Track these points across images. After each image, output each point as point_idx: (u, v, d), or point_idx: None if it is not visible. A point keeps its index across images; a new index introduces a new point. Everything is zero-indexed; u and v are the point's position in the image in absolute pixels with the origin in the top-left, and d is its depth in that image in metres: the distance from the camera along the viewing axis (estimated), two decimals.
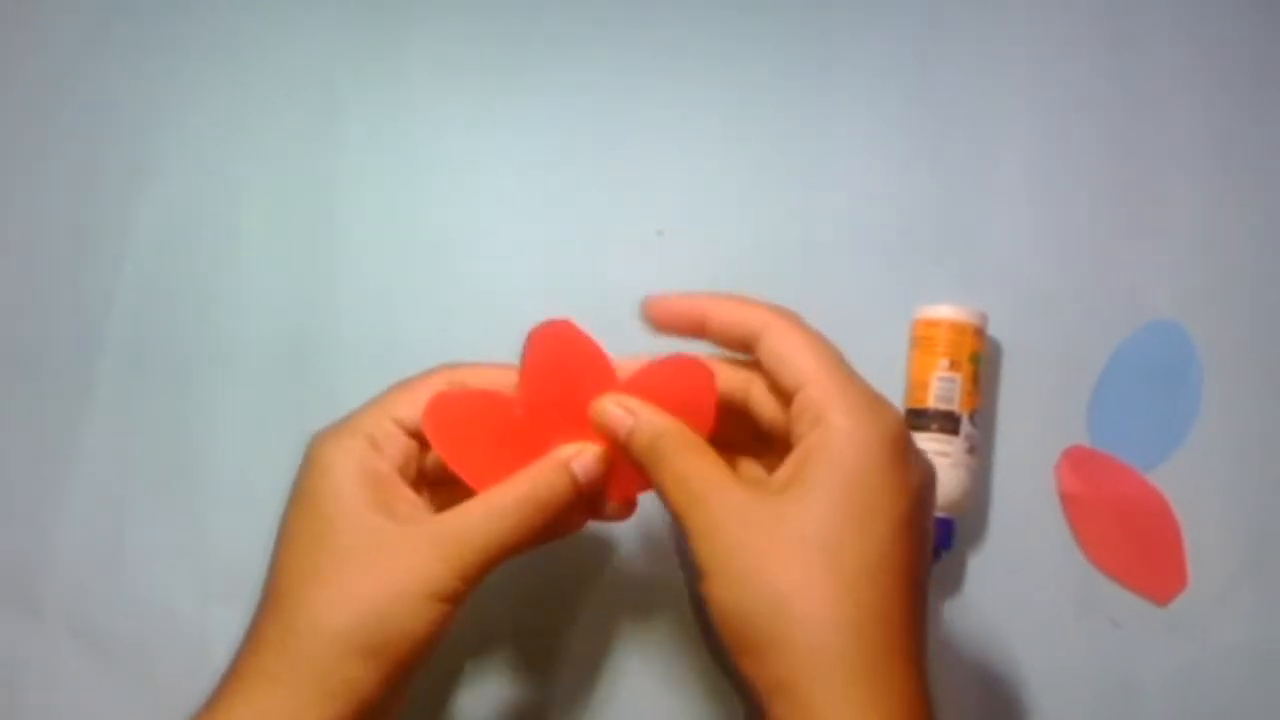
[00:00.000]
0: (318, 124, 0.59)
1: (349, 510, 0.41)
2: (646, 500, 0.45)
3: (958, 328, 0.52)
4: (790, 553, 0.38)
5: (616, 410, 0.43)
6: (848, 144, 0.58)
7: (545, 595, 0.53)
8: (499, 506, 0.42)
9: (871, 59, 0.59)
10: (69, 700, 0.53)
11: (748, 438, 0.45)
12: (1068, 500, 0.54)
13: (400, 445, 0.43)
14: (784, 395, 0.42)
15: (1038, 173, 0.57)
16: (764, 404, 0.44)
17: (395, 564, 0.40)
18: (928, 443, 0.51)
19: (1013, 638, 0.53)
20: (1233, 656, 0.53)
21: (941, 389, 0.52)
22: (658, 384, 0.44)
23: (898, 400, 0.53)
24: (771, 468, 0.43)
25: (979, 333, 0.53)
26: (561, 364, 0.44)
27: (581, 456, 0.43)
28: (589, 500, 0.44)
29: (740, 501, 0.40)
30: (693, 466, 0.41)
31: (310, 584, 0.40)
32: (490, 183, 0.58)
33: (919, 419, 0.52)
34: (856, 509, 0.38)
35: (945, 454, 0.51)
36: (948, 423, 0.51)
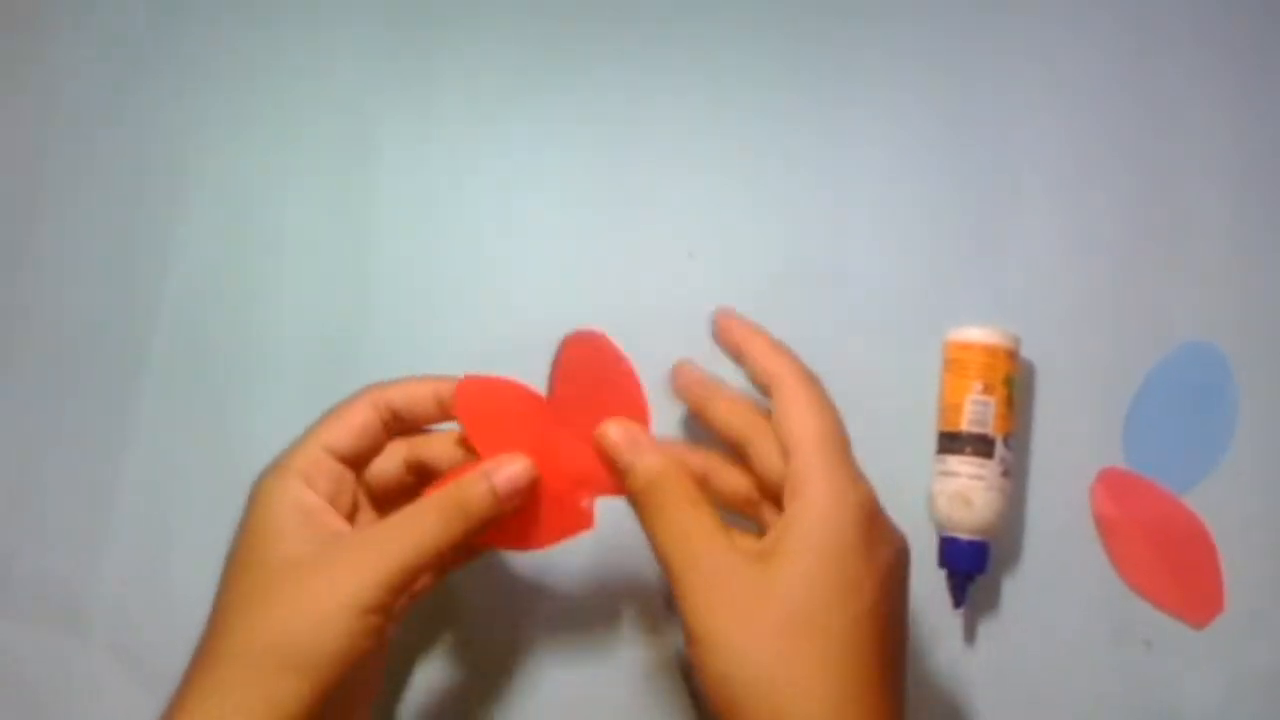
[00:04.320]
0: (353, 145, 0.60)
1: (278, 540, 0.43)
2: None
3: (991, 350, 0.52)
4: (777, 623, 0.40)
5: (617, 435, 0.45)
6: (877, 167, 0.58)
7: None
8: (413, 518, 0.43)
9: (898, 81, 0.59)
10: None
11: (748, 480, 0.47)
12: (1103, 522, 0.54)
13: (331, 474, 0.45)
14: (783, 451, 0.44)
15: (1068, 193, 0.57)
16: (760, 459, 0.45)
17: (317, 581, 0.41)
18: (961, 466, 0.51)
19: (1048, 660, 0.53)
20: (1270, 680, 0.52)
21: (975, 412, 0.52)
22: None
23: (930, 423, 0.53)
24: (764, 518, 0.45)
25: (1012, 355, 0.53)
26: (590, 372, 0.46)
27: (502, 469, 0.44)
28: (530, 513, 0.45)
29: (728, 572, 0.41)
30: (684, 519, 0.43)
31: (240, 609, 0.42)
32: (522, 205, 0.59)
33: (953, 442, 0.52)
34: (838, 582, 0.40)
35: (980, 477, 0.51)
36: (982, 446, 0.51)
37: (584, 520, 0.46)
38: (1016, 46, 0.59)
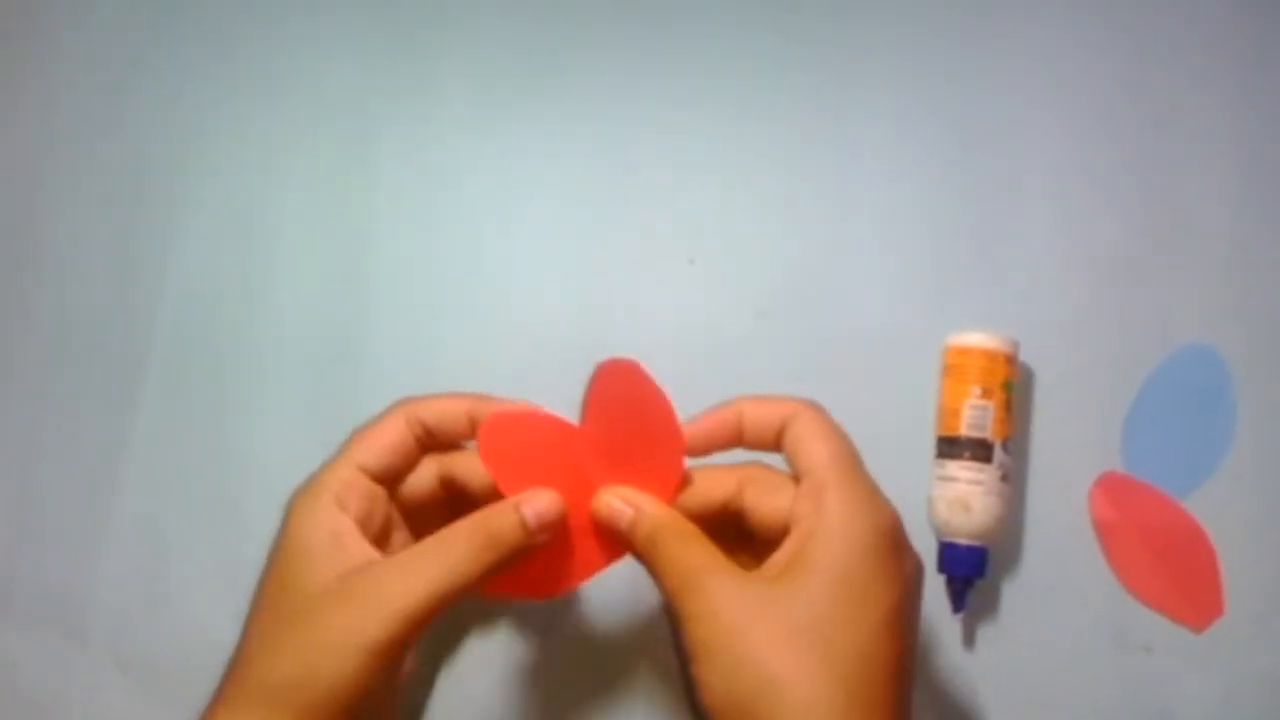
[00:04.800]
0: (352, 150, 0.60)
1: (305, 568, 0.43)
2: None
3: (989, 355, 0.52)
4: (782, 639, 0.39)
5: (617, 504, 0.44)
6: (876, 172, 0.58)
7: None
8: (435, 552, 0.42)
9: (898, 86, 0.59)
10: None
11: (739, 540, 0.45)
12: (1102, 527, 0.54)
13: (364, 493, 0.45)
14: (797, 479, 0.43)
15: (1066, 197, 0.57)
16: (759, 504, 0.44)
17: (335, 618, 0.41)
18: (960, 470, 0.51)
19: (1047, 665, 0.53)
20: (1270, 684, 0.52)
21: (974, 417, 0.52)
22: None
23: (929, 428, 0.53)
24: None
25: (1011, 360, 0.53)
26: (625, 401, 0.44)
27: (533, 502, 0.43)
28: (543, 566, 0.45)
29: (734, 587, 0.40)
30: (689, 553, 0.42)
31: (262, 639, 0.42)
32: (522, 211, 0.59)
33: (951, 447, 0.52)
34: (849, 598, 0.40)
35: (979, 482, 0.51)
36: (980, 451, 0.51)
37: (616, 550, 0.45)
38: (1015, 51, 0.59)
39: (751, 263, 0.57)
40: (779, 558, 0.41)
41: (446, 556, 0.42)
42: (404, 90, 0.60)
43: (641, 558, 0.44)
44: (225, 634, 0.52)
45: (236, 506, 0.56)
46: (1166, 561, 0.53)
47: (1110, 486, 0.54)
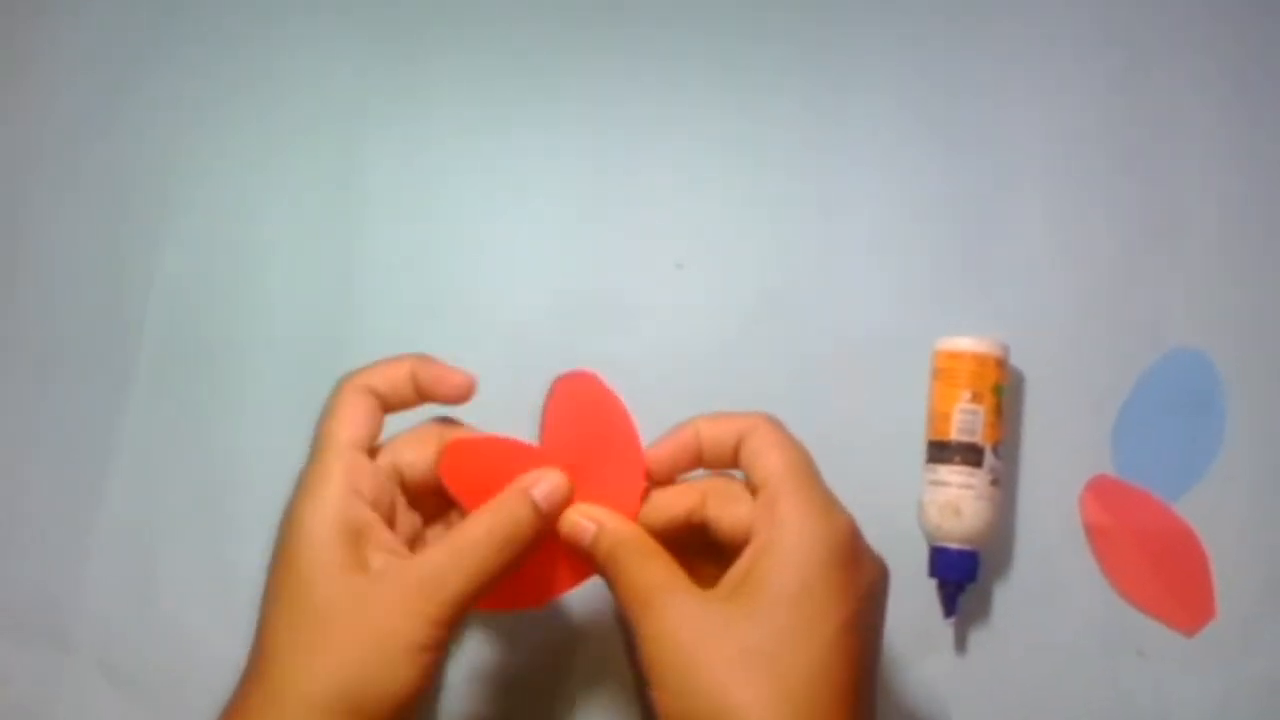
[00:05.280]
0: (342, 153, 0.60)
1: (325, 571, 0.41)
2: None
3: (980, 359, 0.52)
4: (735, 662, 0.39)
5: (581, 520, 0.44)
6: (866, 176, 0.58)
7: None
8: (464, 547, 0.42)
9: (889, 91, 0.59)
10: None
11: (705, 553, 0.45)
12: (1093, 531, 0.54)
13: (371, 473, 0.43)
14: (754, 492, 0.43)
15: (1056, 201, 0.57)
16: (721, 515, 0.44)
17: (372, 623, 0.40)
18: (951, 475, 0.51)
19: (1039, 669, 0.52)
20: (1262, 687, 0.52)
21: (964, 421, 0.52)
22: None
23: (920, 432, 0.53)
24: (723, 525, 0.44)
25: (1001, 364, 0.53)
26: (583, 416, 0.45)
27: (541, 482, 0.43)
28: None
29: (690, 606, 0.40)
30: (647, 569, 0.42)
31: (291, 650, 0.40)
32: (512, 214, 0.59)
33: (942, 451, 0.52)
34: (800, 616, 0.39)
35: (969, 486, 0.51)
36: (971, 455, 0.51)
37: (583, 568, 0.45)
38: (1007, 55, 0.59)
39: (740, 267, 0.57)
40: (733, 574, 0.41)
41: (478, 553, 0.41)
42: (394, 93, 0.60)
43: (603, 574, 0.43)
44: (213, 641, 0.53)
45: (225, 512, 0.55)
46: (1158, 565, 0.53)
47: (1101, 490, 0.54)
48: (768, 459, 0.42)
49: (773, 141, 0.59)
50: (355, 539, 0.41)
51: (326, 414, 0.45)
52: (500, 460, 0.44)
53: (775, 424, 0.43)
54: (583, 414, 0.45)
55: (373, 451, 0.44)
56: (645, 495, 0.45)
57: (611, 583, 0.43)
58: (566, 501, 0.44)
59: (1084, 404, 0.55)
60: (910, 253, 0.57)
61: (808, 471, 0.42)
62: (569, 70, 0.60)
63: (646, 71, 0.60)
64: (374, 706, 0.39)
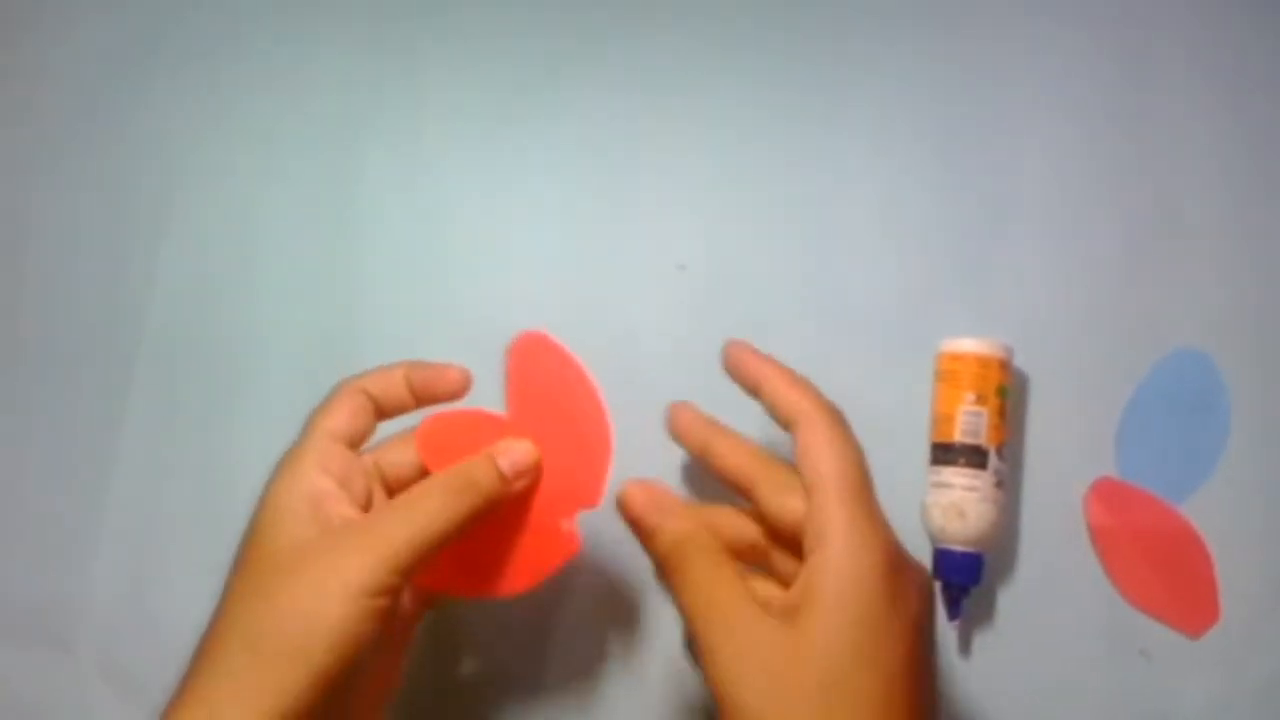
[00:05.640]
0: (342, 159, 0.60)
1: (288, 526, 0.42)
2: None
3: (983, 361, 0.52)
4: (810, 689, 0.39)
5: (644, 501, 0.45)
6: (869, 178, 0.58)
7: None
8: (416, 496, 0.42)
9: (889, 92, 0.59)
10: None
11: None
12: (1097, 533, 0.54)
13: (342, 458, 0.44)
14: (806, 487, 0.43)
15: (1059, 203, 0.57)
16: (771, 503, 0.44)
17: (319, 565, 0.40)
18: (955, 477, 0.51)
19: (1044, 672, 0.52)
20: (1267, 689, 0.52)
21: (968, 423, 0.51)
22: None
23: (923, 435, 0.53)
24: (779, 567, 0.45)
25: (1005, 365, 0.52)
26: (540, 374, 0.46)
27: (508, 452, 0.44)
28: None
29: (762, 632, 0.40)
30: (715, 580, 0.42)
31: (245, 595, 0.41)
32: (510, 218, 0.59)
33: (946, 453, 0.51)
34: (866, 641, 0.39)
35: (973, 488, 0.51)
36: (975, 457, 0.51)
37: (568, 544, 0.45)
38: (1009, 56, 0.59)
39: (742, 269, 0.57)
40: (793, 595, 0.41)
41: (429, 502, 0.42)
42: (394, 95, 0.60)
43: (663, 567, 0.44)
44: None
45: (224, 516, 0.54)
46: (1162, 567, 0.53)
47: (1105, 492, 0.54)
48: (820, 459, 0.42)
49: (775, 143, 0.59)
50: (317, 503, 0.42)
51: (316, 410, 0.46)
52: (473, 431, 0.45)
53: (827, 417, 0.43)
54: (541, 376, 0.46)
55: (360, 443, 0.46)
56: (612, 450, 0.45)
57: (671, 576, 0.43)
58: (533, 469, 0.45)
59: (1088, 405, 0.55)
60: (913, 254, 0.57)
61: (859, 480, 0.42)
62: (570, 72, 0.60)
63: (649, 74, 0.60)
64: (318, 648, 0.39)
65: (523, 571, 0.45)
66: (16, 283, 0.59)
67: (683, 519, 0.44)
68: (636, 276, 0.57)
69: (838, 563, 0.40)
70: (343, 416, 0.45)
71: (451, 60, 0.60)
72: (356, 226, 0.59)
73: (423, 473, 0.45)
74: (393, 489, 0.46)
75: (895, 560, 0.41)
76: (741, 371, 0.46)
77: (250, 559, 0.42)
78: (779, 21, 0.60)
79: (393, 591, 0.41)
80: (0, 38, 0.62)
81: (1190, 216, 0.57)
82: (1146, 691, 0.52)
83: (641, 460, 0.46)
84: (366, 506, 0.45)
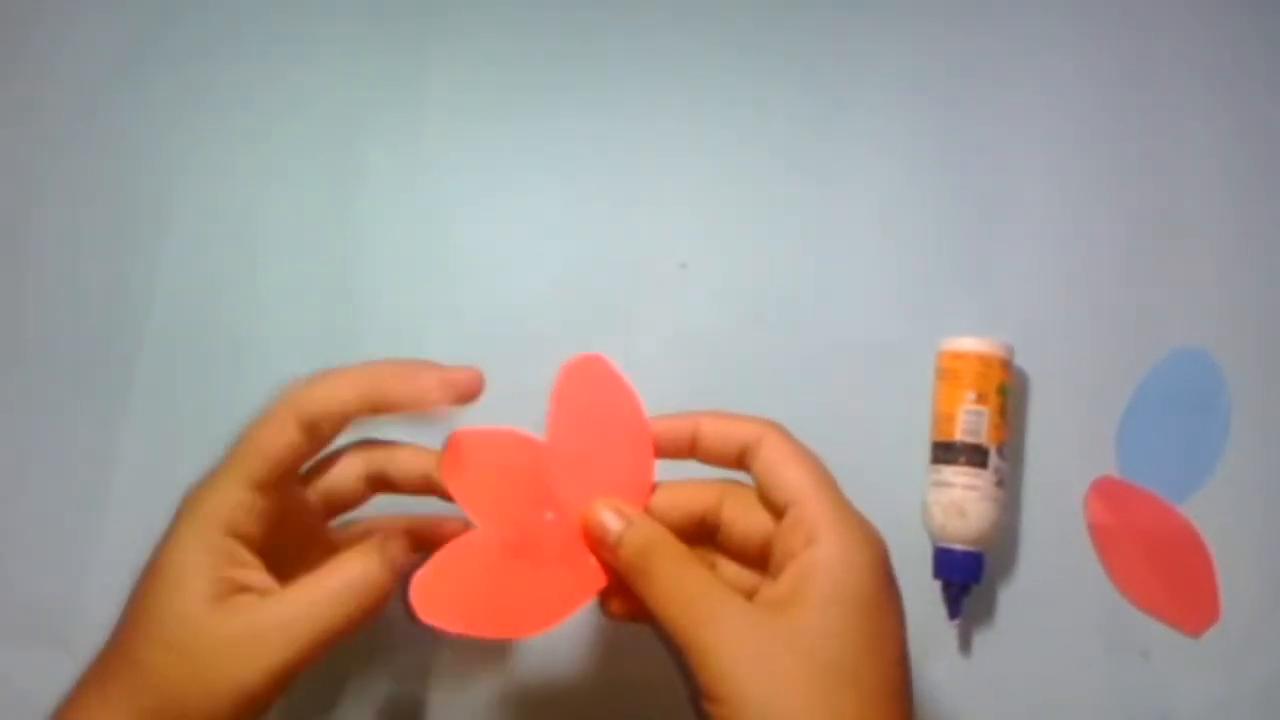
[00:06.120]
0: (343, 157, 0.59)
1: (181, 601, 0.41)
2: None
3: (985, 360, 0.52)
4: (808, 676, 0.38)
5: (609, 515, 0.42)
6: (870, 177, 0.58)
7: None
8: (312, 601, 0.40)
9: (892, 91, 0.59)
10: None
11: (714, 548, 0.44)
12: (1097, 532, 0.54)
13: (260, 515, 0.42)
14: (773, 508, 0.42)
15: (1059, 202, 0.57)
16: (737, 519, 0.43)
17: (203, 663, 0.40)
18: (956, 476, 0.51)
19: (1044, 671, 0.52)
20: (1266, 689, 0.52)
21: (969, 422, 0.51)
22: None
23: (924, 433, 0.53)
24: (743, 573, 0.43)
25: (1006, 364, 0.52)
26: (588, 399, 0.43)
27: (390, 544, 0.42)
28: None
29: (748, 620, 0.39)
30: (688, 576, 0.40)
31: (131, 664, 0.41)
32: (512, 216, 0.58)
33: (947, 452, 0.52)
34: (868, 633, 0.39)
35: (974, 487, 0.51)
36: (976, 456, 0.51)
37: (597, 577, 0.42)
38: (1008, 56, 0.59)
39: (744, 267, 0.57)
40: (781, 589, 0.40)
41: (321, 608, 0.40)
42: (394, 95, 0.60)
43: (628, 575, 0.41)
44: None
45: None
46: (1162, 566, 0.53)
47: (1106, 491, 0.54)
48: (788, 474, 0.41)
49: (777, 142, 0.59)
50: (218, 571, 0.41)
51: (249, 429, 0.44)
52: (505, 455, 0.43)
53: (785, 434, 0.42)
54: (591, 403, 0.43)
55: (290, 478, 0.44)
56: (654, 488, 0.44)
57: (642, 586, 0.41)
58: (407, 561, 0.42)
59: (1089, 404, 0.55)
60: (914, 253, 0.57)
61: (832, 485, 0.41)
62: (572, 71, 0.60)
63: (650, 73, 0.60)
64: None
65: (549, 610, 0.42)
66: (17, 282, 0.59)
67: (646, 523, 0.42)
68: (638, 275, 0.57)
69: (835, 556, 0.39)
70: (272, 463, 0.42)
71: (452, 60, 0.60)
72: (357, 226, 0.58)
73: (425, 486, 0.43)
74: (399, 487, 0.45)
75: (886, 560, 0.41)
76: (664, 442, 0.44)
77: (145, 613, 0.41)
78: (780, 22, 0.60)
79: (278, 693, 0.40)
80: (1, 37, 0.62)
81: (1191, 216, 0.57)
82: (1146, 691, 0.52)
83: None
84: (294, 552, 0.43)
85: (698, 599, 0.40)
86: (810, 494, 0.41)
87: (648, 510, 0.43)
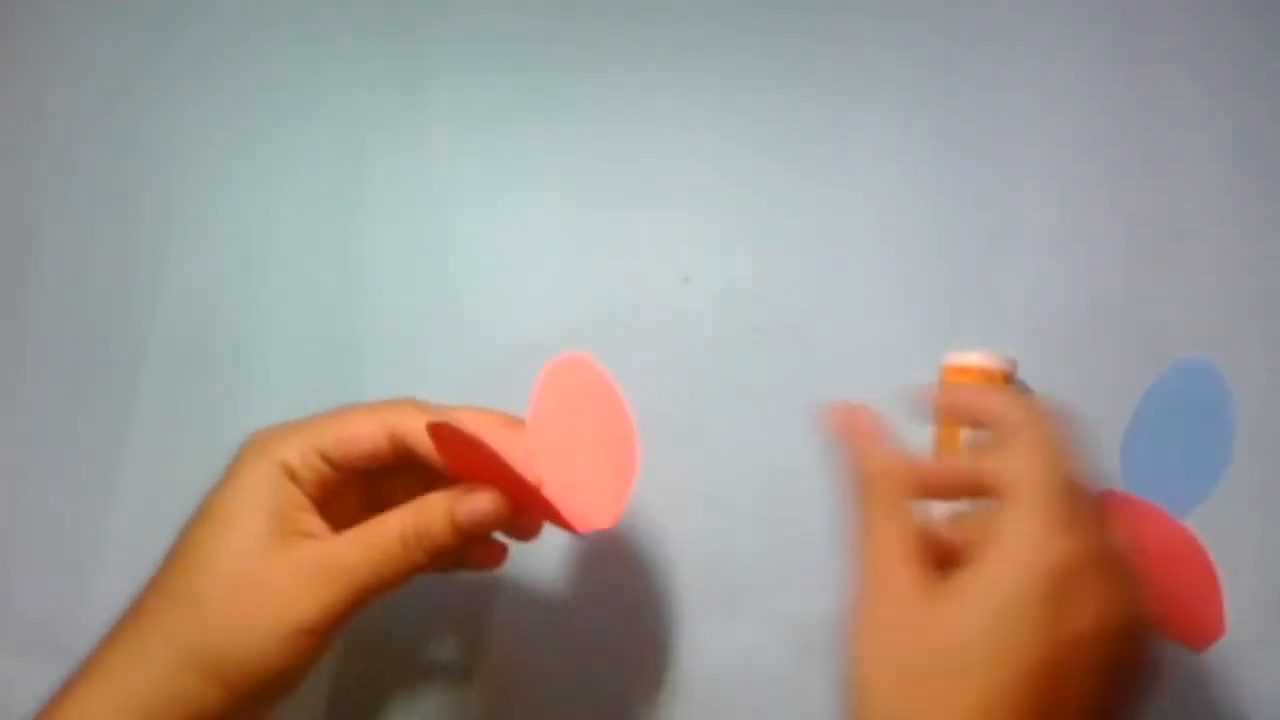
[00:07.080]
0: (346, 164, 0.60)
1: (241, 534, 0.41)
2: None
3: (987, 374, 0.52)
4: (932, 668, 0.38)
5: (858, 424, 0.43)
6: (872, 190, 0.58)
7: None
8: (373, 543, 0.42)
9: (893, 104, 0.59)
10: None
11: None
12: None
13: (317, 472, 0.44)
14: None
15: (1062, 214, 0.57)
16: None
17: (263, 594, 0.40)
18: None
19: None
20: (1273, 704, 0.52)
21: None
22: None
23: (927, 449, 0.53)
24: None
25: (1009, 378, 0.52)
26: (570, 392, 0.45)
27: (467, 501, 0.43)
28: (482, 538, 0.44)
29: (903, 606, 0.39)
30: (892, 524, 0.41)
31: (183, 593, 0.41)
32: (514, 230, 0.59)
33: None
34: (1005, 634, 0.38)
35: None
36: None
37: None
38: (1011, 67, 0.59)
39: (746, 281, 0.57)
40: (953, 582, 0.39)
41: (379, 551, 0.42)
42: (397, 102, 0.61)
43: (857, 491, 0.42)
44: None
45: None
46: (1166, 581, 0.53)
47: (1109, 505, 0.54)
48: (1016, 456, 0.40)
49: (780, 155, 0.59)
50: (279, 511, 0.42)
51: (346, 413, 0.45)
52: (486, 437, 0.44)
53: (1044, 421, 0.42)
54: (572, 394, 0.45)
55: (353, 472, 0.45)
56: (635, 478, 0.44)
57: (859, 512, 0.41)
58: (491, 524, 0.43)
59: (1092, 418, 0.55)
60: (917, 267, 0.57)
61: (1051, 482, 0.40)
62: (575, 81, 0.60)
63: (654, 85, 0.60)
64: (238, 674, 0.40)
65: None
66: (22, 286, 0.59)
67: (887, 455, 0.43)
68: (641, 289, 0.57)
69: (1001, 559, 0.38)
70: (348, 452, 0.44)
71: (457, 67, 0.61)
72: (360, 233, 0.59)
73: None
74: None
75: (1069, 574, 0.38)
76: (944, 475, 0.43)
77: (198, 549, 0.42)
78: (784, 32, 0.60)
79: (329, 632, 0.41)
80: (6, 41, 0.62)
81: (1194, 227, 0.57)
82: (1150, 708, 0.52)
83: (644, 471, 0.46)
84: (332, 513, 0.44)
85: (881, 562, 0.40)
86: (1014, 492, 0.40)
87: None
